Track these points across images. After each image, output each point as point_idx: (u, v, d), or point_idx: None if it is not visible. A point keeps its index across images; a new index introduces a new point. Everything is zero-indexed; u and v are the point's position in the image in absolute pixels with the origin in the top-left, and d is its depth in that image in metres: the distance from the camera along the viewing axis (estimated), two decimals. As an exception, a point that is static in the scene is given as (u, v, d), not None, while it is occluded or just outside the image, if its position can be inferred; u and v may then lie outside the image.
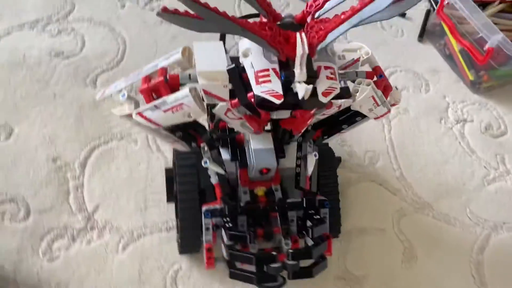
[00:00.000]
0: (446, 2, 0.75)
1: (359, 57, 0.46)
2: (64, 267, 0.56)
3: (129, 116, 0.44)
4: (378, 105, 0.45)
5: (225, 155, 0.51)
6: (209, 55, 0.40)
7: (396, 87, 0.51)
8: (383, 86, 0.46)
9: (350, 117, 0.51)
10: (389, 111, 0.47)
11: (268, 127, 0.50)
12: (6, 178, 0.60)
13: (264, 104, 0.38)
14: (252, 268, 0.47)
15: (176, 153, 0.54)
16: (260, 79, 0.37)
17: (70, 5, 0.77)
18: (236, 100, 0.40)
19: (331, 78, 0.38)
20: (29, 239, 0.57)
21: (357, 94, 0.43)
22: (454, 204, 0.67)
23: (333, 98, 0.39)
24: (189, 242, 0.54)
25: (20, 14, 0.74)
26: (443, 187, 0.68)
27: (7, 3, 0.75)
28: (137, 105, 0.44)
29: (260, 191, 0.51)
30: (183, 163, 0.53)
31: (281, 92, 0.36)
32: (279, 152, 0.50)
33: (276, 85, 0.37)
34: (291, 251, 0.47)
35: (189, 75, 0.42)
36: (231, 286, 0.56)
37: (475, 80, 0.77)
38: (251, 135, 0.48)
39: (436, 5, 0.84)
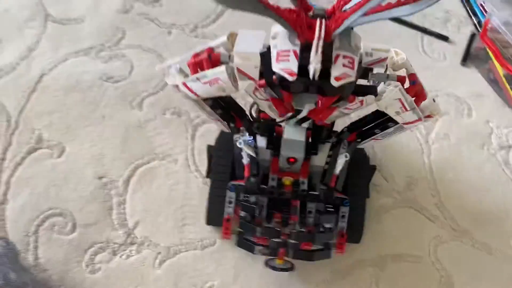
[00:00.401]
0: (490, 26, 0.74)
1: (386, 57, 0.46)
2: (104, 280, 0.59)
3: (177, 86, 0.49)
4: (406, 109, 0.46)
5: (261, 142, 0.55)
6: (249, 40, 0.44)
7: (434, 99, 0.51)
8: (415, 92, 0.47)
9: (384, 122, 0.52)
10: (420, 119, 0.48)
11: (306, 124, 0.54)
12: (57, 193, 0.65)
13: (283, 83, 0.40)
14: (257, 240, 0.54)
15: (220, 133, 0.61)
16: (280, 58, 0.39)
17: (121, 32, 0.82)
18: (263, 81, 0.43)
19: (348, 67, 0.39)
20: (74, 251, 0.61)
21: (384, 94, 0.44)
22: (496, 234, 0.65)
23: (358, 95, 0.43)
24: (215, 215, 0.59)
25: (76, 42, 0.80)
26: (484, 215, 0.66)
27: (66, 33, 0.81)
28: (186, 77, 0.48)
29: (287, 180, 0.56)
30: (222, 142, 0.61)
31: (295, 70, 0.38)
32: (312, 149, 0.55)
33: (293, 64, 0.39)
34: (293, 231, 0.53)
35: (229, 55, 0.46)
36: (261, 306, 0.57)
37: (522, 104, 0.75)
38: (287, 127, 0.54)
39: (480, 29, 0.82)
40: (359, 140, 0.56)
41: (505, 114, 0.77)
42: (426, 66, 0.82)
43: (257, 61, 0.43)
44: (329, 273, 0.61)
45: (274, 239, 0.54)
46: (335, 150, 0.54)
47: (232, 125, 0.55)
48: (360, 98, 0.45)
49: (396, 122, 0.50)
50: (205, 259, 0.61)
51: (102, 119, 0.72)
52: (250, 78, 0.44)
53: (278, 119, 0.50)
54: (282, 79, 0.39)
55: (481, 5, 0.87)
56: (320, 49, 0.37)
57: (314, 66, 0.36)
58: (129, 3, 0.86)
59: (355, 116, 0.55)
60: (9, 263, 0.51)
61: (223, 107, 0.53)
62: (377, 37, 0.83)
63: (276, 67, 0.39)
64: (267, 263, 0.57)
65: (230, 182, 0.56)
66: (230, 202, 0.56)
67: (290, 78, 0.38)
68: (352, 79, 0.40)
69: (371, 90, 0.45)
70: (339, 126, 0.56)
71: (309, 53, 0.37)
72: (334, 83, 0.39)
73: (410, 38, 0.85)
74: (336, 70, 0.39)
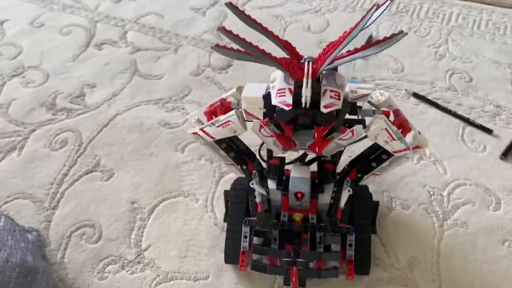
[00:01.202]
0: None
1: (369, 93, 0.53)
2: (107, 286, 0.67)
3: (195, 133, 0.59)
4: (393, 139, 0.53)
5: (272, 185, 0.63)
6: (254, 89, 0.53)
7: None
8: (399, 123, 0.54)
9: (378, 156, 0.58)
10: (408, 148, 0.53)
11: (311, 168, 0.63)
12: (95, 209, 0.77)
13: (283, 116, 0.49)
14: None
15: (235, 180, 0.68)
16: (278, 94, 0.48)
17: (188, 90, 0.97)
18: (267, 119, 0.51)
19: (334, 98, 0.47)
20: (92, 258, 0.71)
21: (372, 125, 0.52)
22: (493, 333, 0.60)
23: (348, 126, 0.51)
24: (231, 253, 0.64)
25: (151, 93, 0.96)
26: (486, 312, 0.62)
27: (146, 85, 0.98)
28: (203, 125, 0.58)
29: (297, 217, 0.62)
30: (237, 186, 0.68)
31: (290, 102, 0.47)
32: (319, 187, 0.63)
33: (288, 98, 0.48)
34: (301, 250, 0.59)
35: (238, 102, 0.56)
36: None
37: (556, 207, 0.70)
38: (294, 169, 0.62)
39: (525, 126, 0.81)
40: (359, 175, 0.61)
41: (538, 214, 0.73)
42: (461, 154, 0.82)
43: (260, 103, 0.52)
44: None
45: (283, 259, 0.60)
46: (339, 187, 0.60)
47: (244, 167, 0.62)
48: (351, 129, 0.51)
49: (389, 155, 0.56)
50: (194, 290, 0.66)
51: (149, 155, 0.85)
52: (256, 118, 0.53)
53: (282, 154, 0.56)
54: (281, 112, 0.49)
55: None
56: (309, 84, 0.46)
57: (306, 95, 0.46)
58: (202, 68, 1.02)
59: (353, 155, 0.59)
60: (32, 249, 0.62)
61: (236, 150, 0.61)
62: (418, 121, 0.86)
63: (275, 101, 0.48)
64: None
65: (245, 218, 0.63)
66: (245, 237, 0.63)
67: (286, 109, 0.47)
68: (338, 107, 0.48)
69: (360, 122, 0.53)
70: (341, 167, 0.62)
71: (301, 89, 0.47)
72: (324, 110, 0.47)
73: (451, 126, 0.86)
74: (324, 101, 0.47)
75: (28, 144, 0.88)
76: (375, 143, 0.55)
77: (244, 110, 0.53)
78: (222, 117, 0.56)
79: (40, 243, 0.65)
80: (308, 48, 1.04)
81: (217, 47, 0.48)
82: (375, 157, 0.59)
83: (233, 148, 0.61)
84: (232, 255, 0.65)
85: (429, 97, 0.91)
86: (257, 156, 0.64)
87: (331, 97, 0.48)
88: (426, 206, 0.74)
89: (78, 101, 0.95)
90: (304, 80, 0.46)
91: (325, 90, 0.48)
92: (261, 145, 0.64)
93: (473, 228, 0.71)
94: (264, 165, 0.65)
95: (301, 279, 0.60)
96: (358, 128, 0.51)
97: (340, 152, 0.66)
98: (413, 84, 0.95)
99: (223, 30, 0.47)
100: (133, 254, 0.71)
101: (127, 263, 0.70)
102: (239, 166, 0.63)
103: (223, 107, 0.57)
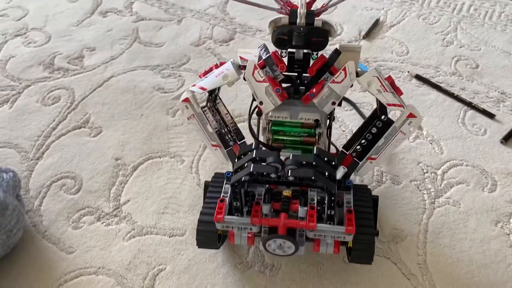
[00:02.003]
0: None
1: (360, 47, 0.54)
2: (80, 236, 0.66)
3: (187, 100, 0.57)
4: (386, 90, 0.52)
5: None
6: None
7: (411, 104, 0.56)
8: (391, 82, 0.54)
9: (373, 126, 0.57)
10: (402, 105, 0.53)
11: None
12: (78, 162, 0.75)
13: (279, 41, 0.52)
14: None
15: (214, 174, 0.63)
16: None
17: (186, 59, 0.95)
18: (262, 61, 0.53)
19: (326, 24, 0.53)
20: (69, 208, 0.69)
21: (365, 73, 0.53)
22: (476, 311, 0.56)
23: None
24: (203, 234, 0.58)
25: (149, 60, 0.95)
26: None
27: (145, 52, 0.97)
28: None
29: (287, 192, 0.56)
30: (213, 181, 0.61)
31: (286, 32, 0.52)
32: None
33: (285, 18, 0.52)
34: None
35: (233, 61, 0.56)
36: (195, 297, 0.58)
37: (555, 191, 0.67)
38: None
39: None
40: (354, 155, 0.58)
41: (535, 198, 0.69)
42: (460, 135, 0.79)
43: (256, 51, 0.55)
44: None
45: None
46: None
47: (230, 148, 0.60)
48: (343, 66, 0.52)
49: (384, 122, 0.55)
50: (168, 246, 0.64)
51: (140, 116, 0.83)
52: (250, 61, 0.53)
53: (273, 106, 0.55)
54: (279, 27, 0.52)
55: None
56: (304, 10, 0.50)
57: (300, 12, 0.50)
58: (203, 40, 1.00)
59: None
60: (6, 187, 0.61)
61: (224, 123, 0.59)
62: (419, 102, 0.84)
63: (269, 20, 0.52)
64: (266, 247, 0.55)
65: (227, 171, 0.60)
66: (225, 193, 0.57)
67: (284, 16, 0.51)
68: (328, 26, 0.52)
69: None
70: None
71: (297, 12, 0.50)
72: (316, 19, 0.51)
73: (452, 108, 0.83)
74: (317, 22, 0.51)
75: (20, 98, 0.87)
76: (363, 124, 0.56)
77: (239, 56, 0.55)
78: (217, 70, 0.56)
79: (15, 183, 0.64)
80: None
81: None
82: (367, 132, 0.57)
83: (223, 122, 0.59)
84: (204, 241, 0.59)
85: (432, 81, 0.88)
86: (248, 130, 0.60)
87: (323, 23, 0.52)
88: (418, 183, 0.71)
89: (76, 62, 0.95)
90: (298, 10, 0.50)
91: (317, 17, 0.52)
92: (250, 115, 0.60)
93: (465, 207, 0.68)
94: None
95: (290, 231, 0.54)
96: (350, 65, 0.51)
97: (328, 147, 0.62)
98: (417, 67, 0.92)
99: None
100: (111, 207, 0.69)
101: (103, 215, 0.68)
102: (225, 147, 0.60)
103: (219, 65, 0.57)
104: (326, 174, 0.51)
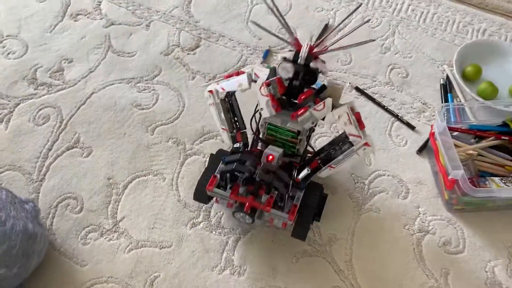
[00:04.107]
0: (432, 131, 0.89)
1: (342, 85, 0.72)
2: (89, 251, 0.84)
3: (211, 91, 0.76)
4: (351, 123, 0.71)
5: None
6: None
7: (370, 135, 0.75)
8: (357, 118, 0.72)
9: (336, 145, 0.78)
10: (360, 136, 0.72)
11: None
12: (77, 183, 0.91)
13: (283, 71, 0.68)
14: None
15: (217, 151, 0.85)
16: (285, 54, 0.69)
17: (158, 70, 1.07)
18: (268, 81, 0.69)
19: (321, 66, 0.69)
20: (76, 226, 0.87)
21: (339, 107, 0.71)
22: (382, 297, 0.81)
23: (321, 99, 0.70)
24: (199, 191, 0.81)
25: (124, 71, 1.07)
26: (381, 281, 0.83)
27: (119, 62, 1.08)
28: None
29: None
30: (217, 154, 0.84)
31: (292, 58, 0.68)
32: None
33: (289, 55, 0.68)
34: (260, 171, 0.74)
35: (250, 73, 0.74)
36: (184, 299, 0.79)
37: (449, 200, 0.89)
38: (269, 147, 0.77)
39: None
40: (320, 162, 0.79)
41: (435, 204, 0.91)
42: (386, 147, 0.98)
43: (267, 72, 0.72)
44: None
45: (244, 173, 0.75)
46: (302, 167, 0.79)
47: (233, 134, 0.81)
48: (323, 101, 0.69)
49: (346, 143, 0.75)
50: (160, 256, 0.84)
51: (123, 135, 0.98)
52: (260, 78, 0.71)
53: (270, 114, 0.71)
54: (283, 61, 0.68)
55: (458, 107, 1.01)
56: (307, 49, 0.67)
57: (303, 51, 0.66)
58: (171, 48, 1.11)
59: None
60: (31, 217, 0.77)
61: (233, 115, 0.80)
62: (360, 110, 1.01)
63: (280, 56, 0.68)
64: (233, 213, 0.78)
65: (223, 156, 0.80)
66: (219, 171, 0.79)
67: (288, 57, 0.68)
68: (320, 68, 0.68)
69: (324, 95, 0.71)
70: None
71: (299, 55, 0.67)
72: (312, 64, 0.68)
73: (382, 120, 1.02)
74: (312, 63, 0.68)
75: (13, 117, 0.99)
76: (333, 140, 0.77)
77: (254, 71, 0.73)
78: (236, 77, 0.75)
79: (36, 212, 0.80)
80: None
81: (257, 25, 0.70)
82: (332, 147, 0.78)
83: (233, 113, 0.80)
84: (199, 196, 0.83)
85: (369, 91, 1.05)
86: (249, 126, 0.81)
87: (318, 65, 0.69)
88: (349, 192, 0.92)
89: (57, 76, 1.05)
90: (303, 47, 0.67)
91: (316, 61, 0.69)
92: (252, 117, 0.80)
93: (384, 213, 0.90)
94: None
95: (252, 209, 0.76)
96: (328, 101, 0.69)
97: (305, 158, 0.81)
98: (357, 77, 1.08)
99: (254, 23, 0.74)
100: (110, 224, 0.87)
101: (105, 231, 0.86)
102: (231, 132, 0.81)
103: (238, 73, 0.76)
104: (284, 180, 0.74)
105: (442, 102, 1.05)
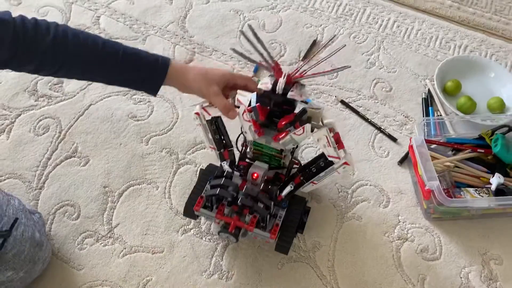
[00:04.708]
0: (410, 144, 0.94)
1: (321, 108, 0.74)
2: (85, 256, 0.89)
3: (197, 114, 0.78)
4: (330, 146, 0.75)
5: (236, 173, 0.83)
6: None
7: (350, 153, 0.79)
8: (336, 139, 0.76)
9: (318, 163, 0.83)
10: (338, 157, 0.76)
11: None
12: (74, 191, 0.96)
13: (262, 98, 0.72)
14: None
15: (208, 164, 0.90)
16: (263, 84, 0.72)
17: (153, 83, 1.12)
18: (250, 107, 0.72)
19: (298, 95, 0.71)
20: (73, 232, 0.91)
21: (318, 130, 0.73)
22: (362, 301, 0.86)
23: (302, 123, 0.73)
24: (189, 208, 0.83)
25: (121, 84, 1.12)
26: (362, 285, 0.87)
27: (116, 75, 1.13)
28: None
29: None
30: (209, 168, 0.88)
31: (270, 87, 0.70)
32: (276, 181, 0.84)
33: (269, 85, 0.71)
34: (242, 196, 0.78)
35: (235, 96, 0.78)
36: (174, 302, 0.84)
37: (427, 209, 0.94)
38: (255, 163, 0.81)
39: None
40: (302, 179, 0.84)
41: (415, 213, 0.96)
42: (369, 158, 1.03)
43: (249, 97, 0.74)
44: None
45: (229, 194, 0.78)
46: (285, 184, 0.83)
47: (221, 151, 0.84)
48: (302, 126, 0.72)
49: (326, 162, 0.80)
50: (152, 261, 0.89)
51: (119, 145, 1.03)
52: (242, 103, 0.74)
53: (253, 138, 0.76)
54: (261, 94, 0.71)
55: (438, 121, 1.06)
56: (285, 79, 0.69)
57: (281, 82, 0.69)
58: (166, 61, 1.16)
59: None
60: (39, 227, 0.82)
61: (219, 136, 0.83)
62: (341, 126, 1.06)
63: (260, 85, 0.72)
64: (219, 233, 0.80)
65: (210, 175, 0.84)
66: (206, 190, 0.83)
67: (266, 88, 0.70)
68: (298, 99, 0.71)
69: (309, 122, 0.74)
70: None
71: (278, 83, 0.70)
72: (289, 95, 0.70)
73: (366, 132, 1.07)
74: (290, 94, 0.70)
75: (14, 128, 1.04)
76: (316, 157, 0.81)
77: (237, 98, 0.76)
78: None
79: (42, 222, 0.85)
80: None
81: (235, 51, 0.73)
82: (315, 165, 0.83)
83: (219, 133, 0.83)
84: (189, 209, 0.84)
85: (353, 104, 1.11)
86: (234, 145, 0.86)
87: (295, 93, 0.71)
88: (333, 201, 0.97)
89: (57, 88, 1.10)
90: (281, 78, 0.70)
91: (292, 91, 0.71)
92: (238, 136, 0.84)
93: (365, 221, 0.95)
94: (236, 154, 0.87)
95: (236, 229, 0.78)
96: (307, 127, 0.73)
97: (290, 169, 0.86)
98: (343, 91, 1.14)
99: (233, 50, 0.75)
100: (105, 230, 0.92)
101: (100, 237, 0.91)
102: (218, 150, 0.84)
103: None
104: (265, 203, 0.78)
105: (423, 116, 1.10)
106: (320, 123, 0.76)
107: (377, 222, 0.95)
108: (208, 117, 0.78)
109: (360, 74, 1.17)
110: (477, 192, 0.91)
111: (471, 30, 1.28)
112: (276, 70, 0.72)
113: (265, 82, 0.72)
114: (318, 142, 0.75)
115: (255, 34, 0.69)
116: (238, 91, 0.78)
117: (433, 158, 0.95)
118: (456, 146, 0.98)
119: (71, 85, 1.11)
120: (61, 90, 1.10)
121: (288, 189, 0.82)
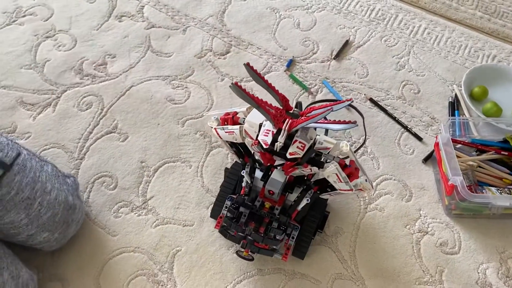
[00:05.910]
0: (436, 142, 0.98)
1: (330, 147, 0.72)
2: (120, 223, 0.94)
3: (215, 129, 0.78)
4: (340, 181, 0.73)
5: (258, 174, 0.83)
6: (256, 116, 0.73)
7: (366, 180, 0.79)
8: (349, 172, 0.74)
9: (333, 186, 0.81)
10: (351, 190, 0.75)
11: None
12: (113, 163, 1.02)
13: (262, 149, 0.71)
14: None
15: (234, 163, 0.92)
16: (264, 133, 0.70)
17: (191, 71, 1.18)
18: (256, 141, 0.72)
19: (299, 148, 0.68)
20: (110, 201, 0.97)
21: (327, 168, 0.72)
22: (382, 287, 0.89)
23: (311, 164, 0.72)
24: (216, 211, 0.89)
25: (161, 70, 1.18)
26: (380, 272, 0.91)
27: (157, 61, 1.20)
28: (218, 126, 0.79)
29: (267, 204, 0.84)
30: (233, 168, 0.91)
31: (269, 142, 0.68)
32: (289, 188, 0.83)
33: (268, 139, 0.69)
34: (252, 232, 0.80)
35: (244, 119, 0.77)
36: (211, 270, 0.89)
37: (448, 205, 0.97)
38: (275, 171, 0.79)
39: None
40: (318, 192, 0.84)
41: (436, 208, 1.00)
42: (394, 154, 1.07)
43: (256, 129, 0.73)
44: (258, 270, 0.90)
45: (239, 233, 0.82)
46: (303, 194, 0.83)
47: (241, 160, 0.85)
48: (310, 167, 0.74)
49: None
50: (182, 233, 0.93)
51: (157, 125, 1.08)
52: (250, 137, 0.74)
53: (265, 164, 0.79)
54: (261, 146, 0.70)
55: (463, 121, 1.10)
56: (284, 136, 0.67)
57: (279, 141, 0.67)
58: (204, 51, 1.22)
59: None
60: (72, 190, 0.88)
61: (238, 148, 0.83)
62: (369, 122, 1.10)
63: (260, 137, 0.70)
64: (237, 252, 0.86)
65: (229, 195, 0.87)
66: (225, 207, 0.87)
67: (264, 146, 0.69)
68: (300, 156, 0.68)
69: (319, 164, 0.74)
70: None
71: (278, 136, 0.67)
72: (288, 156, 0.68)
73: (392, 129, 1.11)
74: (291, 148, 0.68)
75: (60, 102, 1.10)
76: None
77: (244, 129, 0.74)
78: (230, 127, 0.76)
79: (76, 186, 0.90)
80: (294, 45, 1.25)
81: (235, 87, 0.65)
82: (331, 185, 0.79)
83: (235, 145, 0.83)
84: (215, 213, 0.90)
85: (382, 103, 1.15)
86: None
87: (297, 147, 0.68)
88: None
89: (101, 69, 1.17)
90: (281, 132, 0.67)
91: (295, 141, 0.68)
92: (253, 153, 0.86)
93: (387, 213, 0.98)
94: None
95: (251, 249, 0.83)
96: (314, 169, 0.74)
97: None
98: (372, 90, 1.18)
99: (235, 85, 0.65)
100: (140, 201, 0.97)
101: (135, 208, 0.96)
102: (238, 157, 0.85)
103: (233, 119, 0.78)
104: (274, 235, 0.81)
105: (449, 115, 1.13)
106: (337, 152, 0.73)
107: (399, 214, 0.99)
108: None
109: (389, 75, 1.21)
110: (499, 191, 0.94)
111: (500, 41, 1.31)
112: (276, 119, 0.68)
113: (266, 131, 0.69)
114: (328, 178, 0.73)
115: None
116: (247, 119, 0.74)
117: (457, 157, 0.98)
118: (480, 147, 1.01)
119: (114, 67, 1.18)
120: (105, 71, 1.17)
121: (303, 203, 0.82)
